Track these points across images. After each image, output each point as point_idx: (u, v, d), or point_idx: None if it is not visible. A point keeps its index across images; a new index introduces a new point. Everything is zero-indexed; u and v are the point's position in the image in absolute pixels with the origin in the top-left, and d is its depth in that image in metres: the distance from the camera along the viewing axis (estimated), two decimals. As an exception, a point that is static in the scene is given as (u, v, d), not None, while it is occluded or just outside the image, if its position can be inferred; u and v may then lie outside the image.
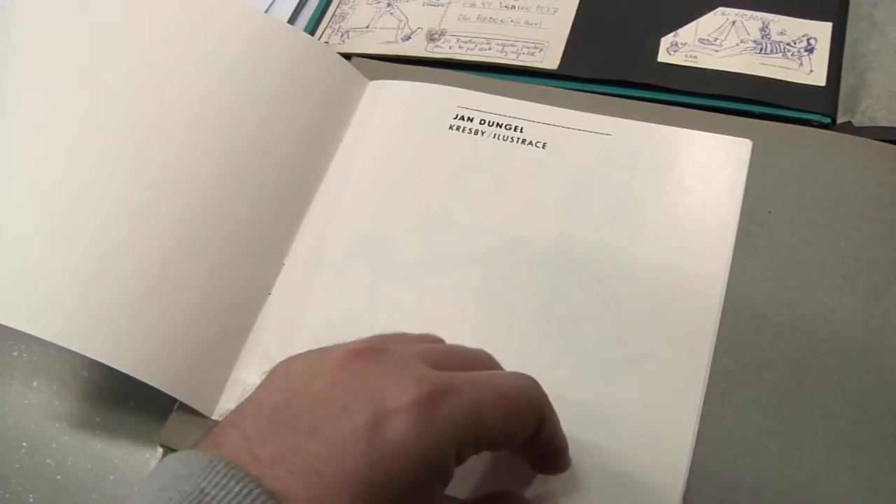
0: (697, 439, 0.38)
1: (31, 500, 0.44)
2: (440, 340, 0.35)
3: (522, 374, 0.32)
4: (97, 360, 0.41)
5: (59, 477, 0.44)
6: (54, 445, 0.45)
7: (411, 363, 0.29)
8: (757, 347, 0.40)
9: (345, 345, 0.30)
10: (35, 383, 0.48)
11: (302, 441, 0.26)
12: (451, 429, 0.27)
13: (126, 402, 0.46)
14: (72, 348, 0.42)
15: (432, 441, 0.27)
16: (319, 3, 0.61)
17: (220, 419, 0.41)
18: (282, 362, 0.30)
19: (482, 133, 0.49)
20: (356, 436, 0.26)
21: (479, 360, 0.33)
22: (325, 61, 0.51)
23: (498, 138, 0.49)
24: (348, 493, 0.25)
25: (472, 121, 0.49)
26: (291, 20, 0.60)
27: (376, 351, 0.29)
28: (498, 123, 0.49)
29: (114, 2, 0.48)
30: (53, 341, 0.41)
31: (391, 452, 0.26)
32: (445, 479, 0.28)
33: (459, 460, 0.28)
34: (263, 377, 0.30)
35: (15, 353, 0.49)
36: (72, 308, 0.41)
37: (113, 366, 0.41)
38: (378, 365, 0.28)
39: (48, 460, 0.45)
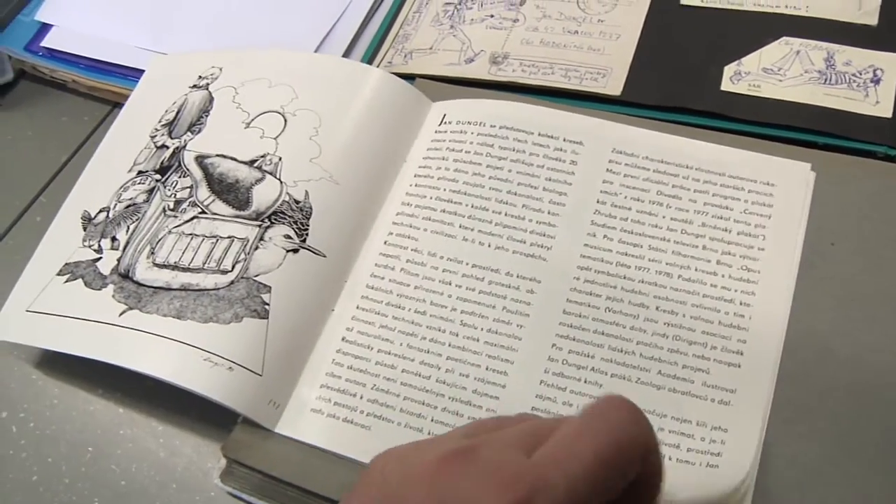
0: (760, 466, 0.39)
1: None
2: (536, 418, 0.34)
3: (614, 413, 0.30)
4: (162, 380, 0.43)
5: (123, 483, 0.45)
6: (119, 452, 0.46)
7: (505, 460, 0.28)
8: (820, 377, 0.41)
9: (440, 443, 0.30)
10: (100, 391, 0.49)
11: None
12: None
13: (189, 412, 0.46)
14: (133, 368, 0.44)
15: None
16: (382, 23, 0.62)
17: (282, 433, 0.42)
18: (378, 458, 0.30)
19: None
20: None
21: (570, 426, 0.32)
22: (394, 90, 0.53)
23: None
24: None
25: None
26: (354, 40, 0.61)
27: (468, 453, 0.28)
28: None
29: None
30: (114, 363, 0.44)
31: None
32: None
33: None
34: (363, 472, 0.30)
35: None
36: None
37: (178, 384, 0.43)
38: (470, 469, 0.28)
39: (113, 466, 0.46)
